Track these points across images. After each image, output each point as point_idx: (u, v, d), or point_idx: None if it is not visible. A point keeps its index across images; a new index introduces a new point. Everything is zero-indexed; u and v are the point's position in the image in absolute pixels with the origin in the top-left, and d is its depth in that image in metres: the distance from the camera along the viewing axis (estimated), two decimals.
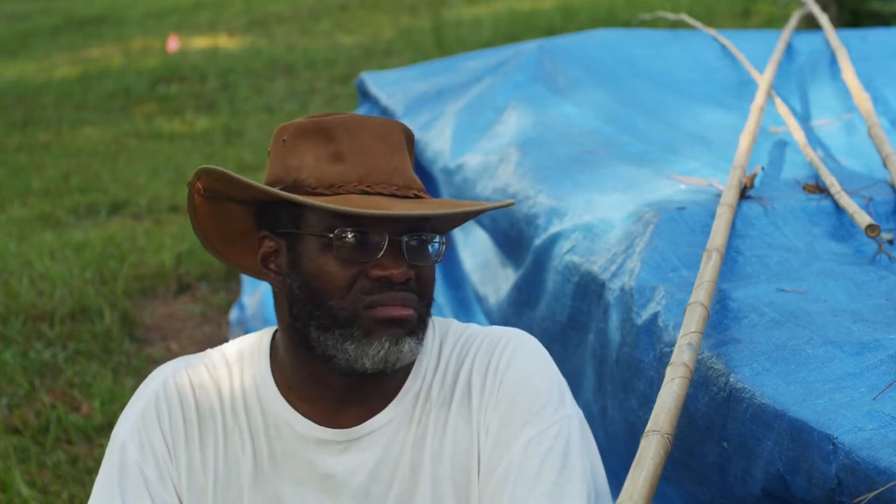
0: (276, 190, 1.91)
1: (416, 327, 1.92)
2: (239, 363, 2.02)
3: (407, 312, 1.89)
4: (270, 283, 1.99)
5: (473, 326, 2.05)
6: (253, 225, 2.01)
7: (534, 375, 1.95)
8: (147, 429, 1.97)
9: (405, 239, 1.90)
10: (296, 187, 1.92)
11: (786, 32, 4.53)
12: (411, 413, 1.97)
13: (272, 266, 1.97)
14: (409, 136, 1.99)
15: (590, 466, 1.94)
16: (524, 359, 1.97)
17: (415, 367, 1.99)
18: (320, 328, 1.90)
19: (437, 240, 1.94)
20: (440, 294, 3.94)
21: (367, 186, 1.90)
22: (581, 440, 1.94)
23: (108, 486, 1.95)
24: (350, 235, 1.88)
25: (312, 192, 1.91)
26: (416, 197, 1.93)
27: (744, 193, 2.83)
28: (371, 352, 1.88)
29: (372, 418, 1.96)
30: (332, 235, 1.88)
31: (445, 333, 2.03)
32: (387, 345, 1.88)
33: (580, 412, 1.98)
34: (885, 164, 2.95)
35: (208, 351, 2.06)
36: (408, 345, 1.90)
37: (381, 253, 1.88)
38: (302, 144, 1.94)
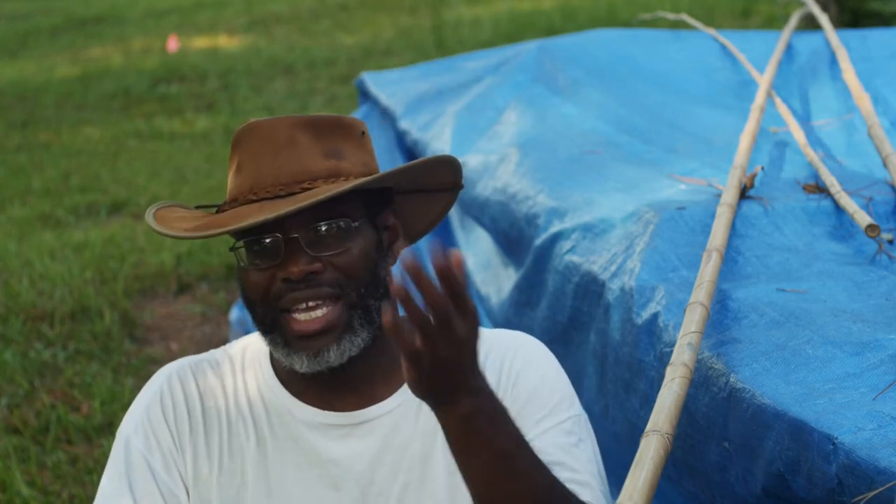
0: (160, 229, 1.96)
1: (350, 319, 1.90)
2: (241, 356, 2.06)
3: (317, 325, 1.88)
4: None
5: (482, 328, 2.06)
6: None
7: (547, 377, 1.98)
8: (152, 422, 1.99)
9: (302, 234, 1.89)
10: (229, 203, 1.97)
11: (786, 32, 4.53)
12: (419, 404, 1.97)
13: (237, 278, 2.02)
14: (317, 123, 1.94)
15: (597, 463, 1.96)
16: (538, 362, 2.00)
17: None
18: (261, 333, 1.96)
19: (344, 224, 1.90)
20: None
21: (254, 194, 1.91)
22: (590, 439, 1.97)
23: (117, 478, 1.96)
24: (248, 245, 1.91)
25: (224, 209, 1.96)
26: (305, 190, 1.90)
27: (744, 193, 2.83)
28: (295, 362, 1.91)
29: (376, 404, 1.98)
30: (237, 250, 1.94)
31: None
32: (305, 360, 1.91)
33: (586, 415, 2.00)
34: (885, 164, 2.95)
35: (212, 351, 2.10)
36: (335, 353, 1.90)
37: (283, 254, 1.89)
38: (230, 158, 1.99)
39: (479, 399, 1.68)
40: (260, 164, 1.92)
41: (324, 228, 1.89)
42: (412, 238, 2.12)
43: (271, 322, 1.92)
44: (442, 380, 1.64)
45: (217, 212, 2.00)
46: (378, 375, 1.98)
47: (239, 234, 1.92)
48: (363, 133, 2.00)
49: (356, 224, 1.92)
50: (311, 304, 1.89)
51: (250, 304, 1.94)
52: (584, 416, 1.99)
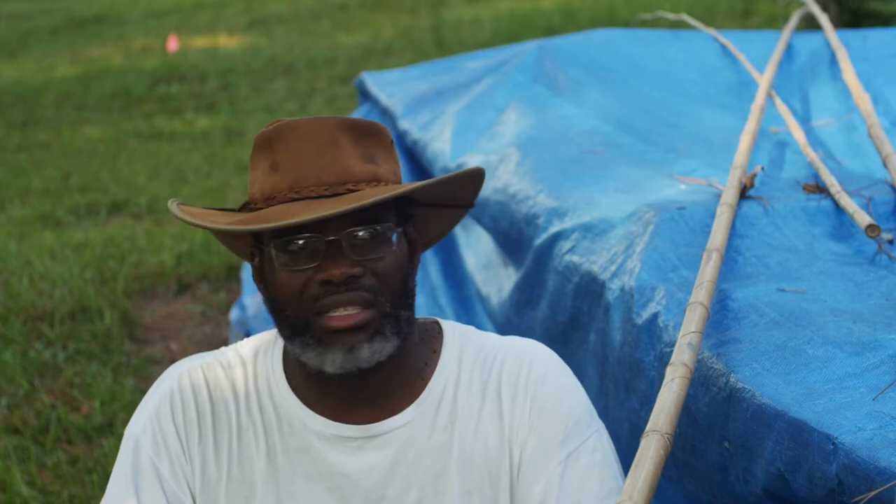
0: (191, 219, 1.93)
1: (381, 325, 1.88)
2: (253, 361, 2.02)
3: (352, 320, 1.86)
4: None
5: (493, 336, 2.06)
6: None
7: (566, 392, 1.97)
8: (161, 425, 1.97)
9: (344, 236, 1.87)
10: (249, 202, 1.95)
11: (786, 32, 4.53)
12: (433, 418, 1.96)
13: (259, 279, 1.98)
14: (355, 127, 1.93)
15: (621, 476, 1.96)
16: (554, 376, 1.99)
17: (435, 372, 1.99)
18: (286, 337, 1.93)
19: (383, 229, 1.89)
20: (442, 294, 3.94)
21: (296, 192, 1.89)
22: (611, 451, 1.97)
23: (123, 482, 1.95)
24: (283, 245, 1.88)
25: (255, 208, 1.93)
26: (350, 191, 1.89)
27: (744, 193, 2.83)
28: (328, 361, 1.88)
29: (389, 418, 1.96)
30: (269, 249, 1.90)
31: (466, 341, 2.03)
32: (340, 354, 1.87)
33: (603, 425, 2.01)
34: (885, 164, 2.95)
35: (224, 349, 2.07)
36: (367, 350, 1.87)
37: (323, 255, 1.87)
38: (256, 158, 1.96)
39: None
40: (302, 164, 1.89)
41: (366, 233, 1.88)
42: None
43: (303, 325, 1.89)
44: None
45: (242, 209, 1.97)
46: (394, 388, 1.96)
47: (272, 233, 1.89)
48: (392, 141, 2.00)
49: (398, 231, 1.91)
50: (349, 309, 1.87)
51: (280, 306, 1.91)
52: (602, 428, 1.99)
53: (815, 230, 2.71)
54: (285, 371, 2.00)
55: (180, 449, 1.96)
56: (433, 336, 2.03)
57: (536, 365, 1.98)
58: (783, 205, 2.79)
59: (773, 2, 11.73)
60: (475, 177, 2.03)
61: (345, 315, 1.87)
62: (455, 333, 2.03)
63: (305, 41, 14.14)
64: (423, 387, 1.98)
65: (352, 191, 1.89)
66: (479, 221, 3.57)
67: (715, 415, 2.18)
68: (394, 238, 1.91)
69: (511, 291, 3.31)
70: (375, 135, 1.96)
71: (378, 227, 1.89)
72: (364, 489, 1.94)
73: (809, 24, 5.58)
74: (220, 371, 2.01)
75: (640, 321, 2.49)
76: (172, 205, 1.97)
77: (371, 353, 1.88)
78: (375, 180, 1.91)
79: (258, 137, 1.96)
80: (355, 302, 1.87)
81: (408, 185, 1.92)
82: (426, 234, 2.09)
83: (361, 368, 1.89)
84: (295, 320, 1.90)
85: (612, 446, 1.99)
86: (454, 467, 1.94)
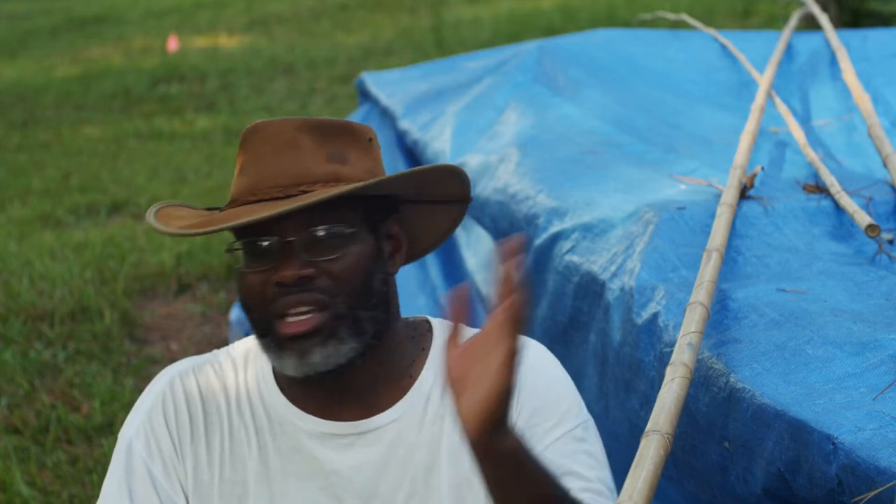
0: (164, 228, 1.94)
1: (335, 328, 1.87)
2: (244, 363, 2.04)
3: (303, 327, 1.86)
4: None
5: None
6: None
7: (554, 382, 1.97)
8: (154, 428, 1.98)
9: (300, 237, 1.87)
10: (229, 204, 1.96)
11: (786, 32, 4.53)
12: (422, 413, 1.97)
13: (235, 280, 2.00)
14: (320, 126, 1.92)
15: (607, 468, 1.96)
16: (542, 367, 1.99)
17: (424, 368, 1.99)
18: (256, 337, 1.94)
19: (340, 228, 1.88)
20: (442, 294, 3.94)
21: (253, 195, 1.90)
22: (598, 444, 1.97)
23: (117, 485, 1.96)
24: (245, 247, 1.89)
25: (224, 210, 1.95)
26: (304, 192, 1.88)
27: (744, 193, 2.83)
28: (286, 364, 1.89)
29: (378, 415, 1.96)
30: (228, 252, 1.92)
31: None
32: (294, 360, 1.88)
33: (591, 418, 2.00)
34: (885, 164, 2.96)
35: (216, 351, 2.08)
36: (319, 355, 1.87)
37: (278, 257, 1.87)
38: (236, 159, 1.98)
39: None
40: (261, 166, 1.90)
41: (320, 233, 1.87)
42: (417, 254, 2.10)
43: (266, 327, 1.90)
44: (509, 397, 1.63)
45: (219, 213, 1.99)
46: (380, 384, 1.97)
47: (237, 235, 1.91)
48: (370, 139, 1.98)
49: (352, 230, 1.90)
50: (302, 309, 1.86)
51: (247, 308, 1.92)
52: (591, 420, 1.99)
53: (815, 230, 2.72)
54: (274, 371, 2.01)
55: (173, 451, 1.98)
56: (422, 334, 2.03)
57: (525, 360, 1.98)
58: (783, 205, 2.79)
59: (773, 2, 11.74)
60: (439, 172, 2.01)
61: (296, 322, 1.87)
62: (445, 330, 2.03)
63: (305, 41, 14.14)
64: (412, 383, 1.98)
65: (305, 192, 1.88)
66: (479, 221, 3.57)
67: (715, 415, 2.18)
68: (353, 237, 1.90)
69: None
70: (347, 133, 1.94)
71: (335, 228, 1.88)
72: (356, 486, 1.95)
73: (809, 24, 5.58)
74: (211, 373, 2.02)
75: (640, 321, 2.49)
76: (151, 211, 1.98)
77: (324, 357, 1.87)
78: (336, 180, 1.90)
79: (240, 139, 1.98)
80: (307, 303, 1.87)
81: (352, 185, 1.89)
82: (423, 236, 2.09)
83: (319, 372, 1.89)
84: (259, 322, 1.91)
85: (600, 441, 1.99)
86: (444, 461, 1.95)
